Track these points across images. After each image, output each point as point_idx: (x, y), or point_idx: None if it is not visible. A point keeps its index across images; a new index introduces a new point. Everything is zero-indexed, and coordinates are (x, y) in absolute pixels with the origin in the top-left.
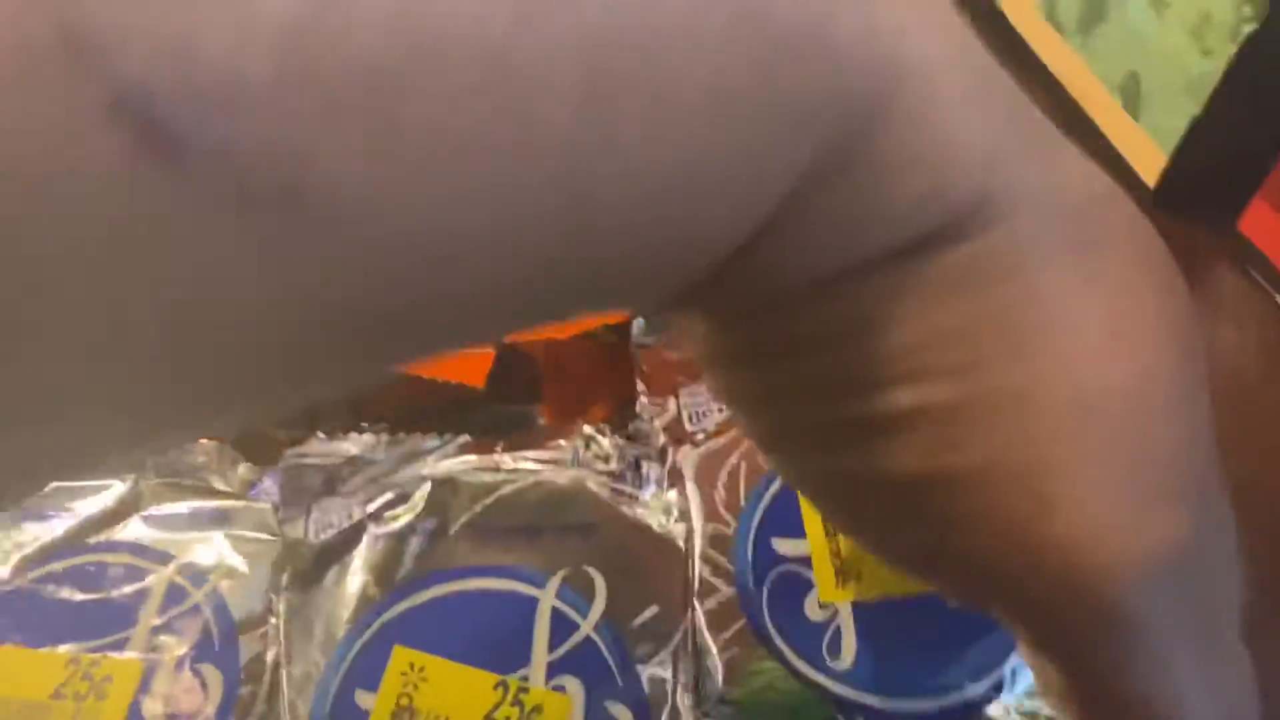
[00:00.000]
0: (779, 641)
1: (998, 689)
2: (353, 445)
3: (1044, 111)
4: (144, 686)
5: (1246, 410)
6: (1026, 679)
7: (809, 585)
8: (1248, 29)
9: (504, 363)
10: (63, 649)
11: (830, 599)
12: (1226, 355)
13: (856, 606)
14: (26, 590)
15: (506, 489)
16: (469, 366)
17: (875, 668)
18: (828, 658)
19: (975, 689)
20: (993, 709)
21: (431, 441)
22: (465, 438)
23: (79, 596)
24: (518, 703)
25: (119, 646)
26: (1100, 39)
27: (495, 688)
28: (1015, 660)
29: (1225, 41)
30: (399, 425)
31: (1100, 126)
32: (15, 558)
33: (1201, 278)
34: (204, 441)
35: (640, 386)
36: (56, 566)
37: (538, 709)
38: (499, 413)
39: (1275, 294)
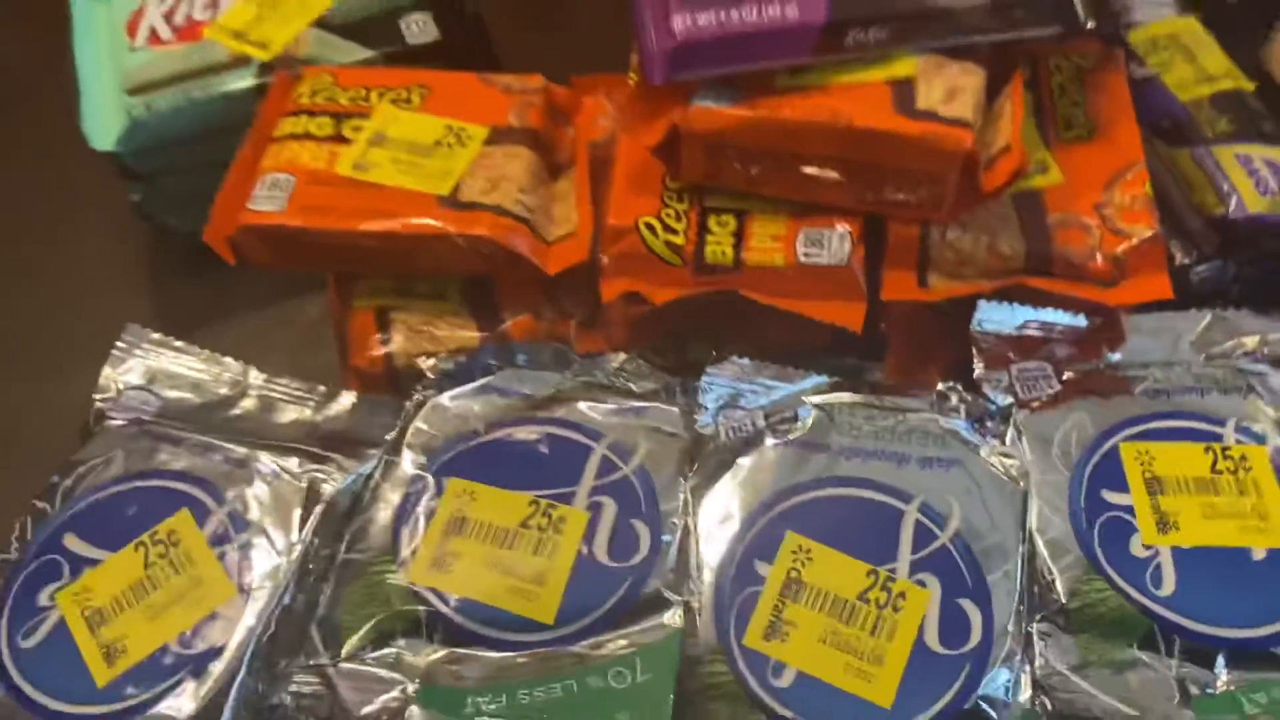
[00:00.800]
0: (1109, 570)
1: None
2: (751, 370)
3: None
4: (590, 531)
5: None
6: None
7: (1133, 529)
8: None
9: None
10: (524, 493)
11: (1152, 542)
12: None
13: (1176, 550)
14: (493, 445)
15: (880, 421)
16: (846, 311)
17: (1193, 599)
18: (1151, 586)
19: None
20: None
21: (814, 377)
22: (838, 378)
23: (532, 456)
24: (886, 588)
25: (567, 499)
26: None
27: (868, 574)
28: None
29: None
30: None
31: None
32: (481, 421)
33: None
34: (618, 355)
35: (977, 360)
36: (514, 431)
37: (902, 595)
38: (844, 365)
39: None
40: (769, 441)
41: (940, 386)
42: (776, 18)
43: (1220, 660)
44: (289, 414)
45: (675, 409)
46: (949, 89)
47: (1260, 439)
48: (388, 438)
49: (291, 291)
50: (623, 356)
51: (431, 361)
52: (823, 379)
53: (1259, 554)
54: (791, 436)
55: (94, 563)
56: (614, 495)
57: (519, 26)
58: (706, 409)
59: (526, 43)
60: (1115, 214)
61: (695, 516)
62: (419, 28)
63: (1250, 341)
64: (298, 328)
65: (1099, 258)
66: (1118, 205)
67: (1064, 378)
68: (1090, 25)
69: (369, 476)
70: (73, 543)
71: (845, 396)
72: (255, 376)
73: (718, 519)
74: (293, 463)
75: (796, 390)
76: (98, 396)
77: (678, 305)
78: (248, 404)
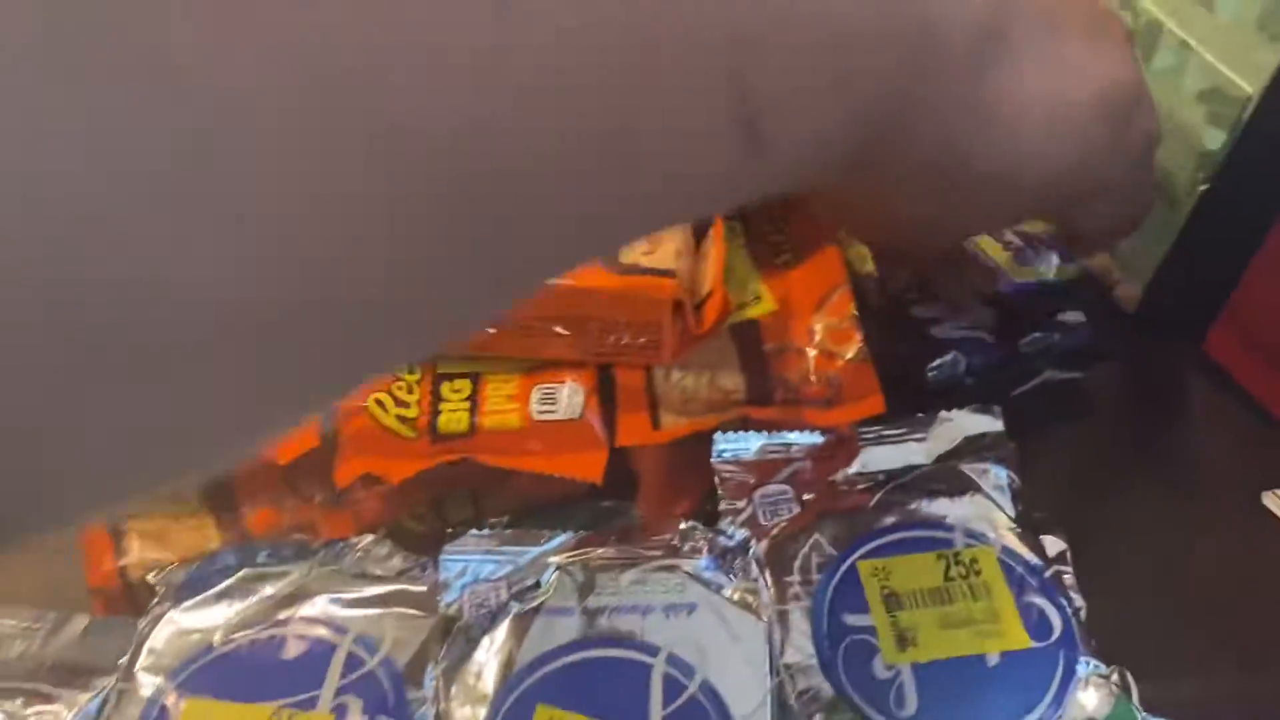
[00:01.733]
0: (854, 696)
1: None
2: (493, 540)
3: None
4: None
5: (1213, 502)
6: (1060, 714)
7: (875, 650)
8: (1202, 188)
9: (609, 464)
10: (264, 704)
11: (894, 661)
12: (1197, 459)
13: (915, 666)
14: (231, 656)
15: (622, 575)
16: (586, 463)
17: (935, 714)
18: (895, 708)
19: None
20: None
21: (557, 537)
22: (582, 533)
23: (274, 662)
24: None
25: (311, 704)
26: None
27: None
28: (1050, 705)
29: (1185, 196)
30: (515, 521)
31: (1087, 264)
32: (219, 631)
33: (1174, 387)
34: (362, 538)
35: (721, 493)
36: (254, 636)
37: None
38: (600, 509)
39: (1236, 399)
40: (514, 611)
41: (682, 526)
42: None
43: None
44: (15, 648)
45: (423, 588)
46: (651, 241)
47: (986, 540)
48: (120, 662)
49: None
50: (368, 538)
51: (163, 574)
52: (568, 535)
53: (993, 659)
54: (536, 603)
55: None
56: (359, 693)
57: None
58: (449, 587)
59: None
60: (825, 337)
61: (446, 702)
62: None
63: (972, 440)
64: (49, 544)
65: (814, 380)
66: (826, 327)
67: (804, 499)
68: None
69: (100, 708)
70: None
71: (589, 552)
72: None
73: (469, 702)
74: (17, 704)
75: (540, 552)
76: None
77: (420, 479)
78: None
